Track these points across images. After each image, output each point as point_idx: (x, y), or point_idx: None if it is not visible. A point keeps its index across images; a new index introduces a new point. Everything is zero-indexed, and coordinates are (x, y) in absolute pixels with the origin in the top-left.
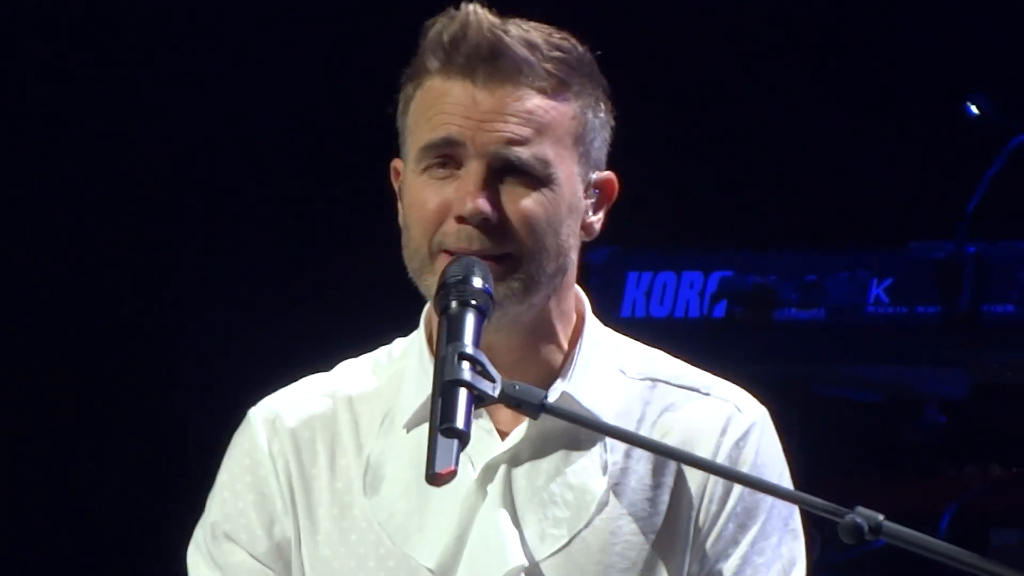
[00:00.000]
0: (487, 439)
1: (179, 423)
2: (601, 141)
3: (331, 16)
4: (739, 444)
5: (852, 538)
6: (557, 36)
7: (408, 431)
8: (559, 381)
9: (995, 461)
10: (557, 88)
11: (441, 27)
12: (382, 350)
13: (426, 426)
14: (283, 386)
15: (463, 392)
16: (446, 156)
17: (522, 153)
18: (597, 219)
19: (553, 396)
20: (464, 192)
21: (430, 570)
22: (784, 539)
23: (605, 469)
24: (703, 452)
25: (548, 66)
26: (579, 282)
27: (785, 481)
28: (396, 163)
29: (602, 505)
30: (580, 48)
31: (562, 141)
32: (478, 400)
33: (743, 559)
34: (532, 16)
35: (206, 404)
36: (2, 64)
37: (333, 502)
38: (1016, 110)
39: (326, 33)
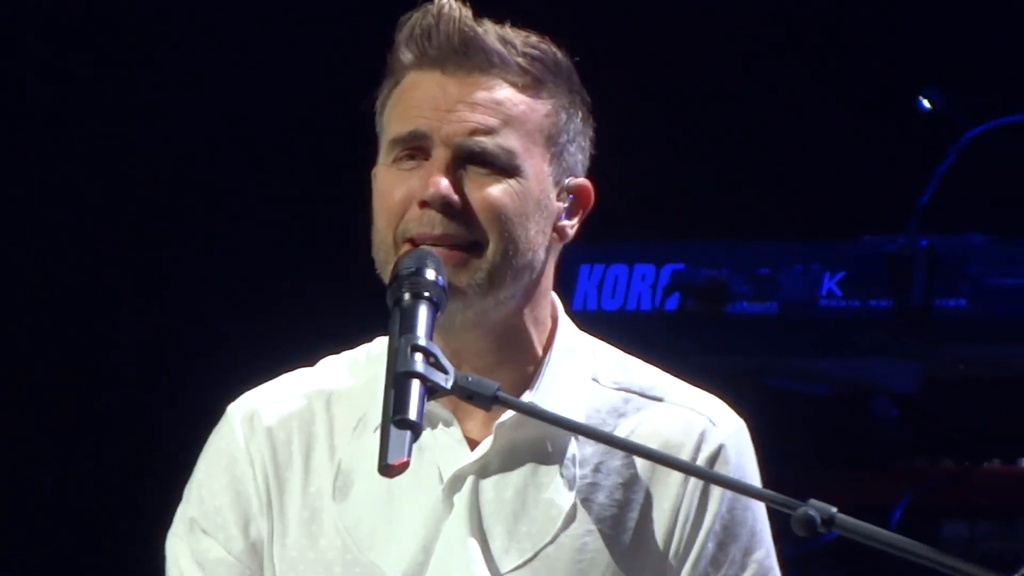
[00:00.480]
0: (456, 449)
1: (165, 419)
2: (577, 147)
3: (331, 16)
4: (713, 459)
5: (805, 531)
6: (535, 38)
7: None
8: (527, 392)
9: (946, 454)
10: (530, 84)
11: (414, 21)
12: (361, 349)
13: None
14: (264, 381)
15: (416, 383)
16: (414, 148)
17: (487, 143)
18: (571, 224)
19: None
20: (427, 178)
21: None
22: (770, 552)
23: (573, 484)
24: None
25: (521, 61)
26: None
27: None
28: (375, 171)
29: (568, 520)
30: (558, 53)
31: (532, 136)
32: (431, 391)
33: None
34: (519, 21)
35: (190, 401)
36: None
37: (304, 505)
38: (968, 105)
39: (324, 33)
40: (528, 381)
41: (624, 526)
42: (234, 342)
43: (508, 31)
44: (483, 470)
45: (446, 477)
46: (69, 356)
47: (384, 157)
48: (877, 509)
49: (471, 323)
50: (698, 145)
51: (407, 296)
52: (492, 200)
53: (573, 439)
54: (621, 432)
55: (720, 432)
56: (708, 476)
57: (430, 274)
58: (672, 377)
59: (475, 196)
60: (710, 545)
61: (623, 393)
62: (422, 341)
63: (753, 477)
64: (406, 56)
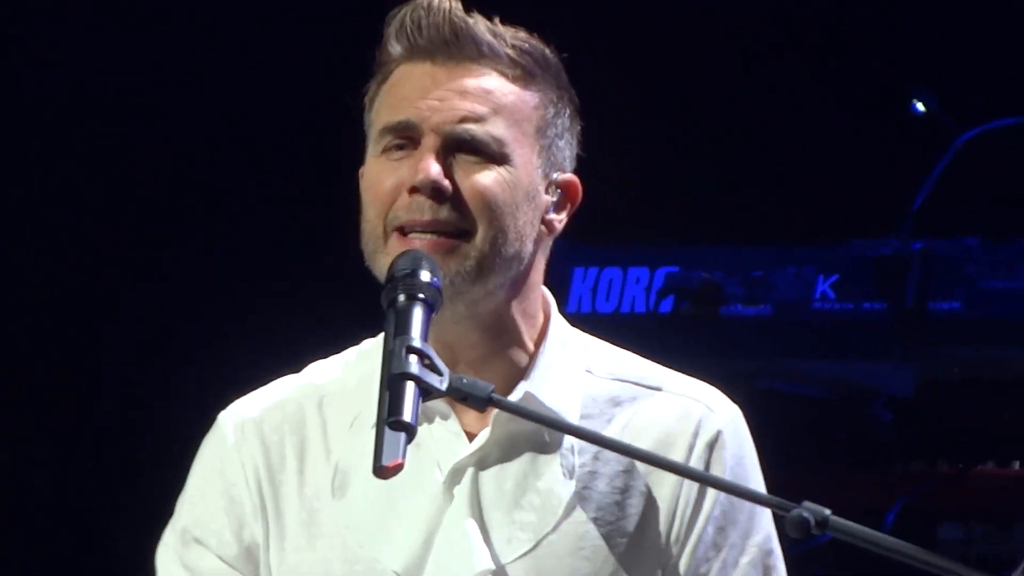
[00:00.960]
0: (454, 441)
1: (159, 422)
2: (565, 143)
3: (329, 16)
4: (712, 445)
5: (799, 532)
6: (524, 33)
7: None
8: (522, 383)
9: (941, 457)
10: (520, 76)
11: (404, 14)
12: (351, 350)
13: None
14: (253, 388)
15: (410, 385)
16: (404, 138)
17: (476, 130)
18: (559, 219)
19: (516, 396)
20: (417, 165)
21: (396, 573)
22: (770, 536)
23: (572, 472)
24: (676, 454)
25: (511, 52)
26: None
27: (759, 478)
28: (362, 170)
29: (569, 509)
30: (547, 49)
31: (521, 126)
32: (426, 393)
33: (727, 563)
34: (516, 20)
35: (185, 404)
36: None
37: (302, 507)
38: (962, 108)
39: (323, 33)
40: (522, 373)
41: (624, 513)
42: (230, 343)
43: (497, 25)
44: (482, 461)
45: (445, 470)
46: (65, 356)
47: (373, 148)
48: (872, 511)
49: (461, 315)
50: (693, 148)
51: (402, 297)
52: (482, 187)
53: None
54: (619, 421)
55: (718, 418)
56: (703, 478)
57: (425, 275)
58: (665, 368)
59: (465, 183)
60: (710, 530)
61: (619, 383)
62: (417, 343)
63: (751, 462)
64: (395, 49)
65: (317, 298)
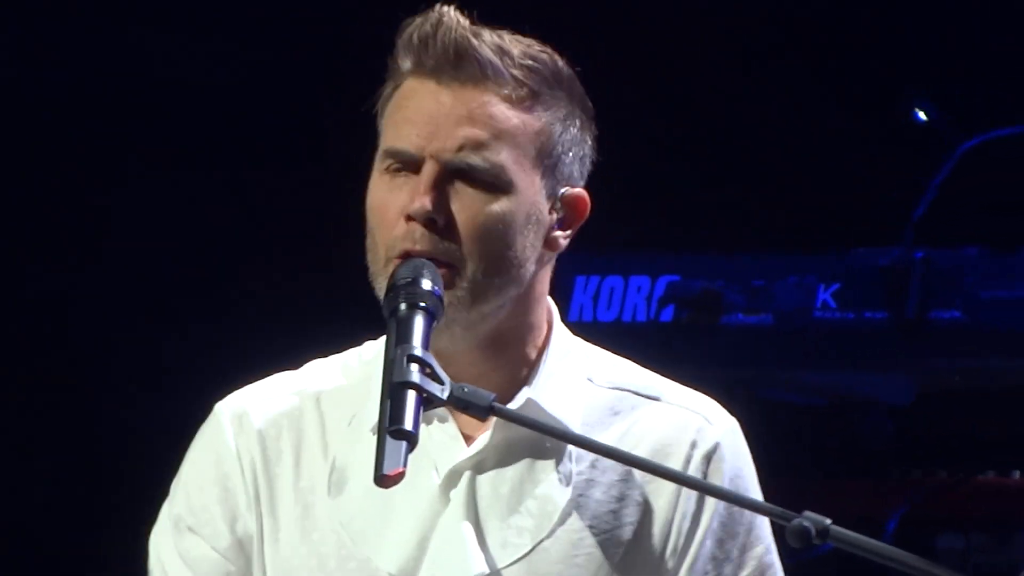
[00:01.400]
0: (452, 445)
1: (147, 418)
2: (573, 157)
3: (328, 16)
4: (709, 457)
5: (800, 542)
6: (536, 47)
7: (375, 433)
8: (524, 388)
9: (941, 466)
10: (525, 96)
11: (414, 27)
12: (351, 352)
13: None
14: (249, 383)
15: (412, 394)
16: (404, 163)
17: (474, 159)
18: (564, 235)
19: (518, 403)
20: (414, 193)
21: (390, 574)
22: (770, 548)
23: (569, 479)
24: (673, 465)
25: (516, 72)
26: None
27: (757, 490)
28: (370, 182)
29: (565, 515)
30: (559, 62)
31: (524, 150)
32: (427, 402)
33: None
34: (522, 28)
35: (175, 402)
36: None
37: (296, 501)
38: (963, 117)
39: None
40: (523, 381)
41: (621, 522)
42: (225, 344)
43: (506, 40)
44: (479, 465)
45: (442, 473)
46: (63, 358)
47: (379, 163)
48: (872, 520)
49: (458, 337)
50: (694, 157)
51: (403, 306)
52: (478, 217)
53: None
54: (617, 430)
55: (716, 430)
56: (703, 487)
57: (426, 284)
58: (665, 378)
59: (460, 212)
60: (708, 543)
61: (619, 392)
62: (418, 351)
63: (749, 475)
64: (404, 63)
65: (314, 298)
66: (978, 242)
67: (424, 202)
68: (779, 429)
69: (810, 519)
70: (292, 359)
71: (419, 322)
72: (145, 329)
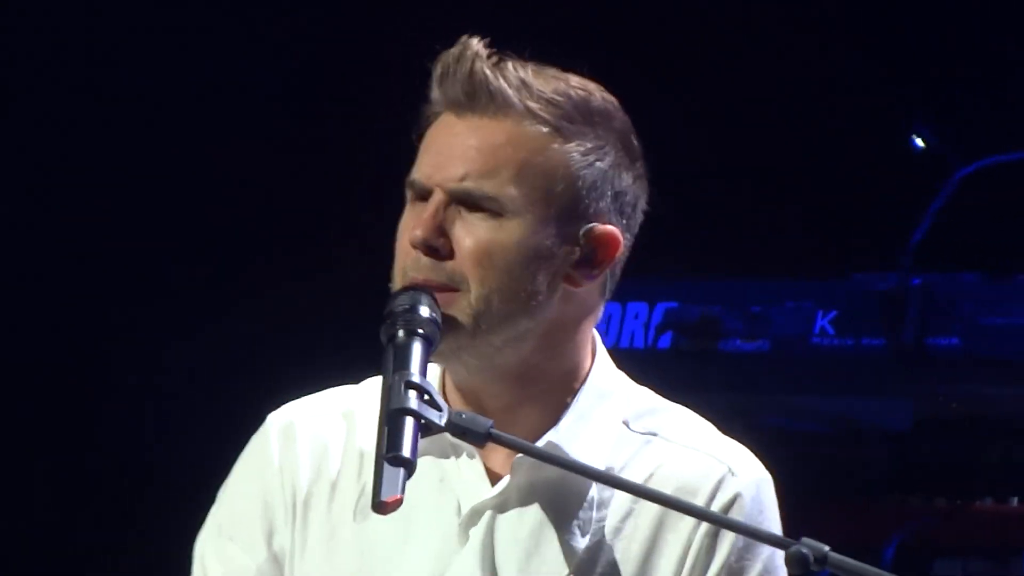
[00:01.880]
0: (478, 482)
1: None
2: (600, 195)
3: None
4: (727, 508)
5: (798, 569)
6: (566, 82)
7: None
8: (550, 431)
9: (939, 493)
10: (543, 128)
11: (442, 60)
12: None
13: (426, 459)
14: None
15: (410, 420)
16: (419, 193)
17: (474, 188)
18: (589, 273)
19: (540, 443)
20: (418, 221)
21: None
22: None
23: (588, 527)
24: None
25: (533, 105)
26: None
27: (774, 553)
28: None
29: (581, 565)
30: (593, 98)
31: (532, 182)
32: (425, 429)
33: None
34: (563, 63)
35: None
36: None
37: (326, 521)
38: (961, 143)
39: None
40: (553, 423)
41: (633, 571)
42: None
43: (529, 73)
44: (501, 506)
45: (464, 510)
46: (65, 360)
47: (408, 193)
48: (870, 547)
49: (475, 368)
50: (691, 183)
51: (401, 333)
52: (475, 245)
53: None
54: (638, 474)
55: (738, 482)
56: (718, 521)
57: (424, 311)
58: (707, 425)
59: (460, 241)
60: None
61: (652, 437)
62: (416, 378)
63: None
64: (434, 95)
65: (321, 303)
66: (976, 268)
67: (422, 231)
68: (777, 455)
69: (808, 545)
70: (303, 364)
71: (417, 349)
72: (148, 330)
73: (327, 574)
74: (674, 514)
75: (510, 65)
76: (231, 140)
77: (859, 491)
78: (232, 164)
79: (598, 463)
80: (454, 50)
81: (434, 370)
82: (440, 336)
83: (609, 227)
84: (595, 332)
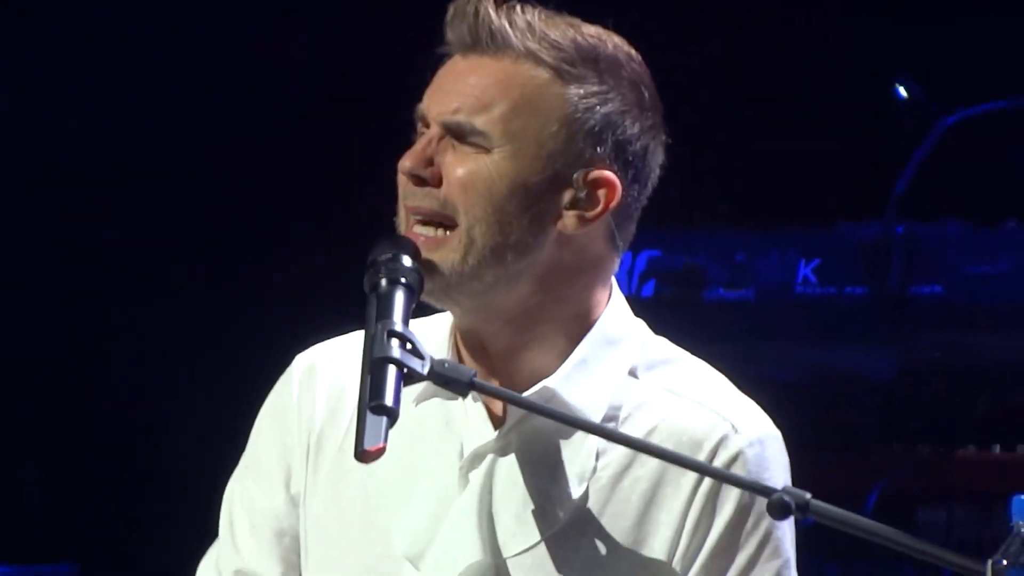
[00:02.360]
0: (481, 426)
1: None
2: (599, 140)
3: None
4: (728, 466)
5: (780, 516)
6: (584, 30)
7: (416, 404)
8: (548, 378)
9: (922, 440)
10: (541, 69)
11: (454, 4)
12: (436, 317)
13: (433, 401)
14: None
15: (392, 369)
16: (424, 125)
17: (465, 121)
18: (584, 215)
19: (534, 390)
20: (411, 150)
21: (402, 552)
22: (781, 571)
23: (586, 476)
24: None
25: (534, 46)
26: None
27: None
28: None
29: (576, 512)
30: (604, 46)
31: (527, 120)
32: (407, 377)
33: None
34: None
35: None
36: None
37: (337, 463)
38: (944, 92)
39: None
40: (555, 369)
41: (631, 524)
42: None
43: (538, 17)
44: (503, 450)
45: (466, 453)
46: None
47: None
48: (853, 495)
49: (469, 308)
50: (674, 133)
51: (384, 282)
52: (463, 176)
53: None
54: (640, 425)
55: (740, 439)
56: (721, 477)
57: (407, 260)
58: (719, 379)
59: (448, 172)
60: (715, 555)
61: (657, 388)
62: (398, 327)
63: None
64: (446, 36)
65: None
66: (960, 217)
67: (411, 159)
68: (760, 404)
69: (790, 493)
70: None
71: (400, 297)
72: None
73: (334, 515)
74: (675, 469)
75: (519, 9)
76: (231, 140)
77: (843, 439)
78: (232, 164)
79: (596, 411)
80: None
81: (445, 320)
82: (428, 274)
83: (606, 173)
84: (613, 281)
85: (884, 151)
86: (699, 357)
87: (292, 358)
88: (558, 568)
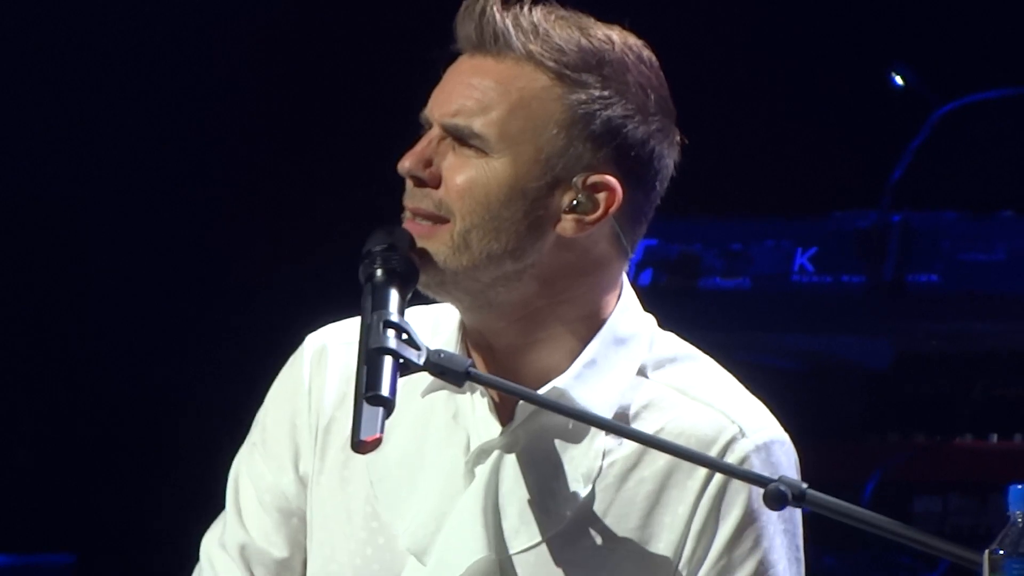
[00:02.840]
0: (489, 420)
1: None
2: (600, 143)
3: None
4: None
5: (777, 506)
6: (592, 33)
7: (423, 396)
8: (557, 378)
9: (918, 429)
10: (542, 73)
11: (464, 4)
12: (447, 306)
13: (441, 393)
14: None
15: (388, 360)
16: (426, 124)
17: (462, 124)
18: (582, 219)
19: (544, 389)
20: (411, 151)
21: (406, 547)
22: (790, 568)
23: (592, 475)
24: (697, 472)
25: (535, 49)
26: None
27: (783, 524)
28: None
29: (581, 511)
30: (614, 47)
31: (524, 124)
32: (403, 368)
33: None
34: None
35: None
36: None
37: (344, 448)
38: (940, 81)
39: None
40: (565, 369)
41: (635, 525)
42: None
43: (546, 20)
44: (509, 446)
45: (473, 447)
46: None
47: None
48: (849, 484)
49: (468, 305)
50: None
51: (379, 272)
52: (459, 179)
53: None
54: (648, 425)
55: (747, 443)
56: (727, 471)
57: (402, 250)
58: (727, 379)
59: (446, 173)
60: (720, 558)
61: (665, 388)
62: (394, 317)
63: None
64: (456, 36)
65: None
66: (955, 205)
67: (410, 160)
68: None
69: (786, 483)
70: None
71: (395, 288)
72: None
73: (339, 501)
74: (681, 472)
75: (526, 10)
76: (231, 140)
77: (839, 428)
78: (232, 164)
79: (605, 411)
80: None
81: (455, 312)
82: (423, 265)
83: (606, 177)
84: (624, 279)
85: (880, 140)
86: (695, 346)
87: (293, 340)
88: (562, 567)
